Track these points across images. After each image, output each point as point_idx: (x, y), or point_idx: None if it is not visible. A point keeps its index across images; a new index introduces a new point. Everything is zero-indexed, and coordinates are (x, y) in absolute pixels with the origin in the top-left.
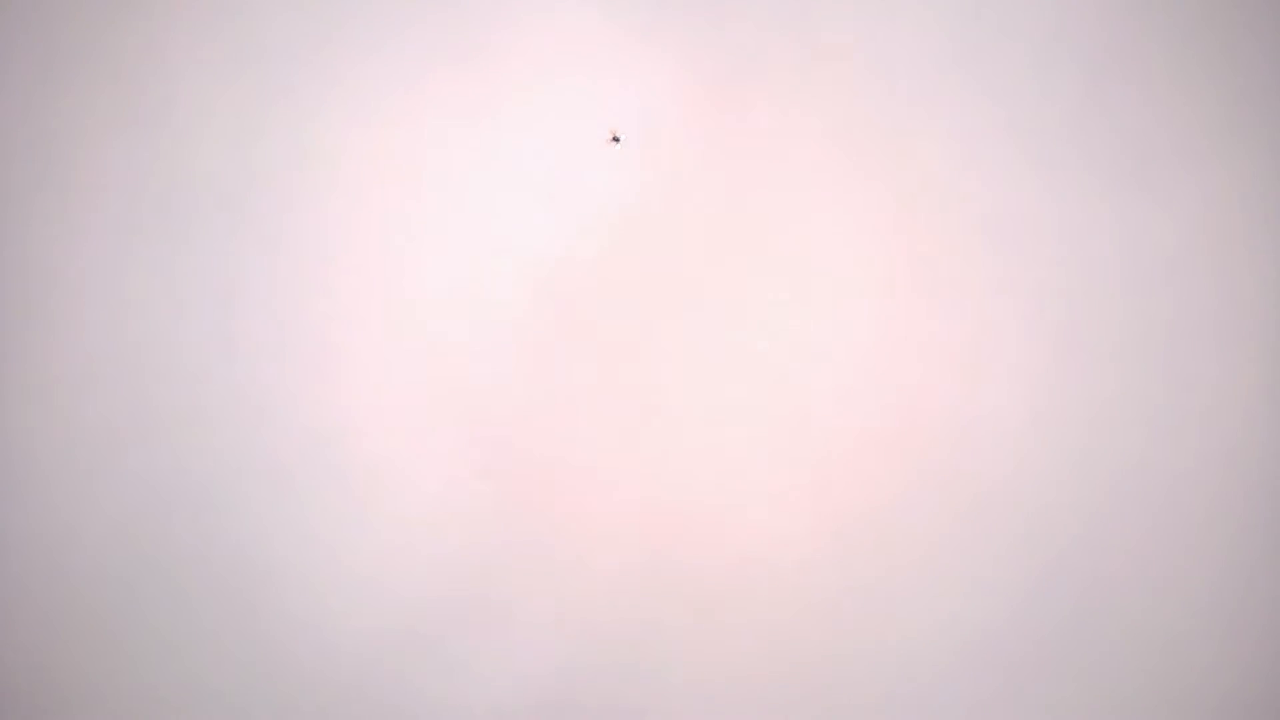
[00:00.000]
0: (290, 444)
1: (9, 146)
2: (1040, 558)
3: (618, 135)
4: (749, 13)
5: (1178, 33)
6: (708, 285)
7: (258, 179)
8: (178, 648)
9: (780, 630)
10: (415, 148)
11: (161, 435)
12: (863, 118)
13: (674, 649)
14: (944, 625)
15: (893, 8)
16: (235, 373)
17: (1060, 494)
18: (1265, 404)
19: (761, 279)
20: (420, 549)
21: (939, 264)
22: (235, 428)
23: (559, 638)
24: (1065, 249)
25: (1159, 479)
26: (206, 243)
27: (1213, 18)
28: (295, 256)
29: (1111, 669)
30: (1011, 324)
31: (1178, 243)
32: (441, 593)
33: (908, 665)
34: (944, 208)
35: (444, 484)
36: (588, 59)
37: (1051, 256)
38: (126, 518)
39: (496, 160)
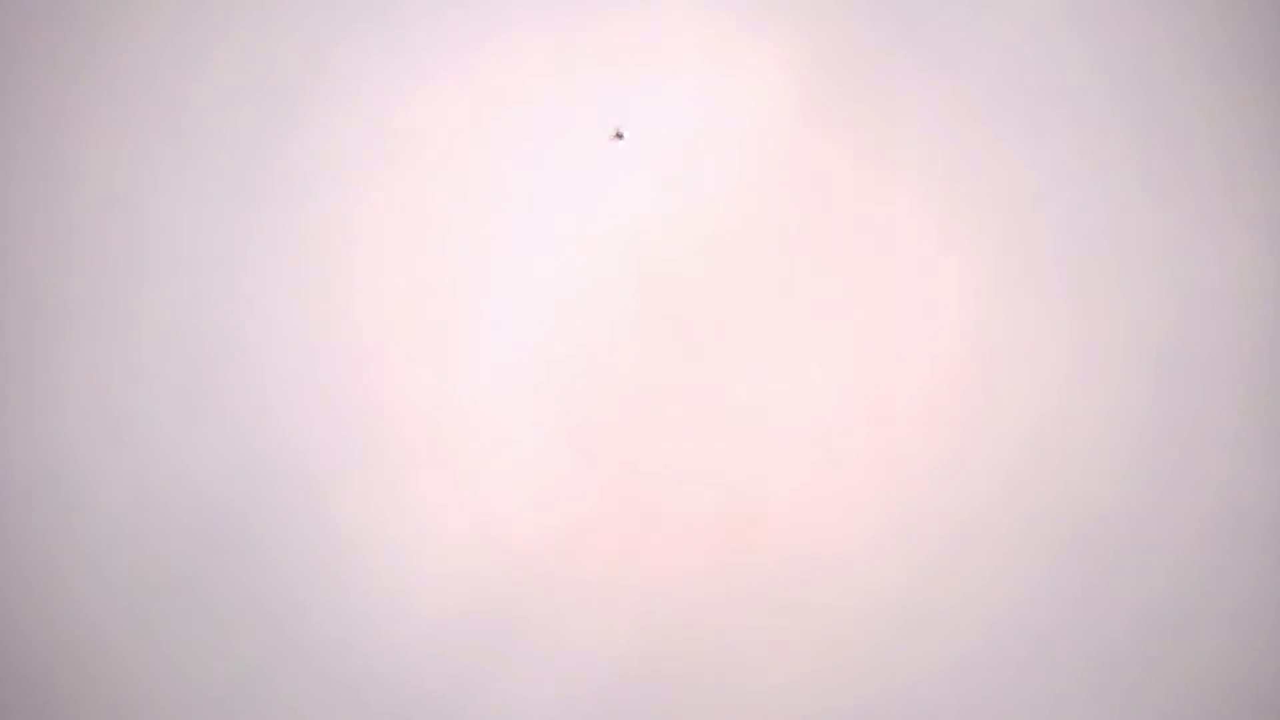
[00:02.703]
0: (392, 422)
1: (140, 124)
2: (1130, 574)
3: (621, 133)
4: (859, 15)
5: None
6: (800, 283)
7: (375, 165)
8: (249, 615)
9: (850, 643)
10: (527, 130)
11: (261, 405)
12: (966, 125)
13: (747, 644)
14: (1020, 634)
15: (1001, 20)
16: (338, 350)
17: (1157, 512)
18: None
19: (855, 280)
20: (506, 528)
21: (1035, 276)
22: (337, 403)
23: (637, 624)
24: (1167, 265)
25: (1258, 499)
26: (321, 223)
27: None
28: (401, 237)
29: (1183, 680)
30: (1109, 339)
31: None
32: (522, 573)
33: (981, 676)
34: (1043, 222)
35: (533, 466)
36: (699, 45)
37: (1152, 272)
38: (219, 482)
39: (599, 148)
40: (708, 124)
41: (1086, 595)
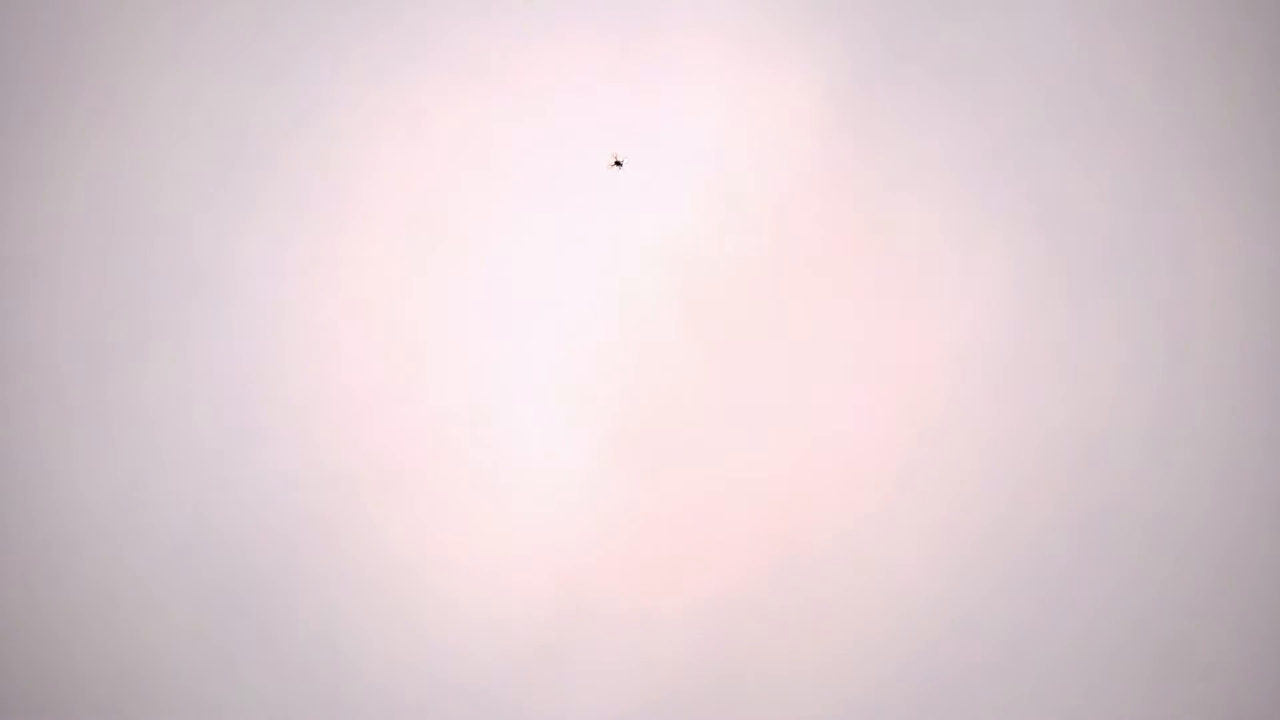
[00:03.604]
0: (436, 442)
1: (186, 148)
2: (1170, 577)
3: (620, 160)
4: (881, 21)
5: None
6: (834, 288)
7: (419, 188)
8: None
9: (893, 656)
10: (557, 142)
11: (308, 430)
12: (995, 123)
13: (789, 657)
14: (1060, 637)
15: (1024, 19)
16: (382, 373)
17: (1195, 512)
18: None
19: (888, 286)
20: (552, 542)
21: (1070, 276)
22: (382, 426)
23: (680, 638)
24: (1202, 261)
25: None
26: (364, 248)
27: None
28: (442, 259)
29: (1224, 681)
30: (1144, 337)
31: None
32: (568, 587)
33: (1020, 680)
34: (1075, 221)
35: (578, 481)
36: (725, 53)
37: (1188, 269)
38: (270, 507)
39: (637, 154)
40: (735, 131)
41: (1125, 598)
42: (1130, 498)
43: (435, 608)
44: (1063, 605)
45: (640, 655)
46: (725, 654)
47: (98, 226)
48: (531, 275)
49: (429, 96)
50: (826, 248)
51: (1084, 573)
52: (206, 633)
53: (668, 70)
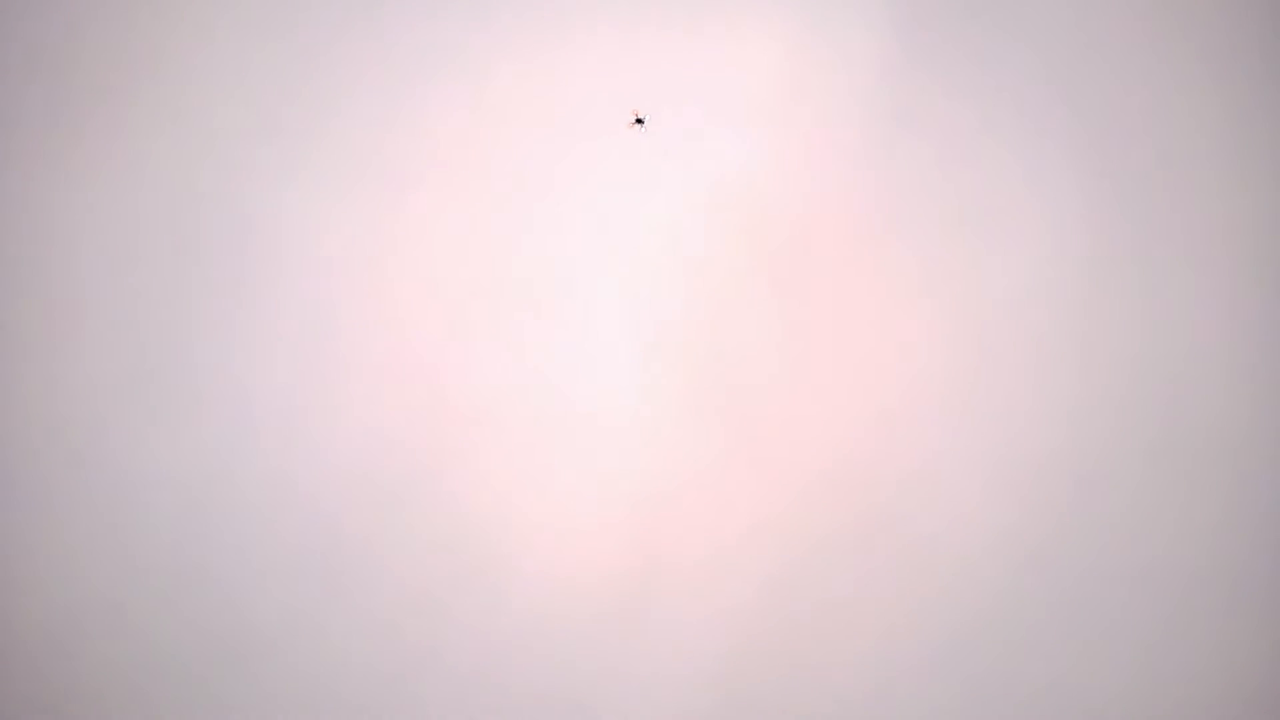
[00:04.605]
0: (508, 404)
1: (261, 125)
2: (1264, 505)
3: (641, 117)
4: None
5: None
6: (900, 230)
7: (474, 158)
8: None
9: (974, 596)
10: (633, 86)
11: (387, 397)
12: (1057, 55)
13: (870, 601)
14: (1151, 569)
15: None
16: (455, 339)
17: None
18: None
19: (963, 218)
20: (623, 496)
21: (1138, 209)
22: (457, 390)
23: (762, 590)
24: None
25: None
26: (429, 218)
27: None
28: (507, 221)
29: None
30: (1220, 262)
31: None
32: (644, 539)
33: (1103, 612)
34: (1141, 154)
35: (646, 436)
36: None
37: (1259, 195)
38: (356, 474)
39: (694, 109)
40: (798, 70)
41: (1208, 528)
42: (1213, 423)
43: (516, 569)
44: (1152, 535)
45: (716, 607)
46: (803, 604)
47: (174, 210)
48: (596, 236)
49: (489, 54)
50: (893, 191)
51: (1172, 501)
52: (294, 597)
53: (731, 19)
